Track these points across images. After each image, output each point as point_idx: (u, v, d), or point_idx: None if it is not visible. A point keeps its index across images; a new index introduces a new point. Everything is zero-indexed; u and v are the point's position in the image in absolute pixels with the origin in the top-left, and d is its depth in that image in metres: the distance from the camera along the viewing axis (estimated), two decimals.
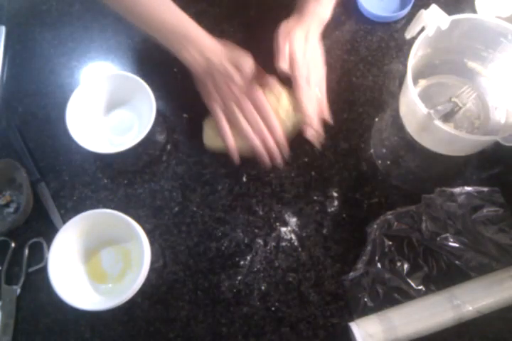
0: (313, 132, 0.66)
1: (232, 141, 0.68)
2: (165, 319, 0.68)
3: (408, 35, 0.76)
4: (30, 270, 0.71)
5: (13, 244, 0.72)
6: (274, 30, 0.69)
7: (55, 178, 0.76)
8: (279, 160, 0.68)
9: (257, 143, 0.67)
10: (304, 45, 0.65)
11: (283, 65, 0.65)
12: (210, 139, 0.73)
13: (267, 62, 0.69)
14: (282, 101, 0.69)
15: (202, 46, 0.67)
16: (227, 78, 0.65)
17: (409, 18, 0.79)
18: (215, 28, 0.83)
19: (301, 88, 0.65)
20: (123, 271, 0.70)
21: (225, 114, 0.68)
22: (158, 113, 0.73)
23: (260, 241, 0.71)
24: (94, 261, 0.71)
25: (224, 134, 0.68)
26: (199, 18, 0.83)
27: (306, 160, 0.74)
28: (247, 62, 0.66)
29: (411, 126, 0.73)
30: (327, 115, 0.69)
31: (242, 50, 0.67)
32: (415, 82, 0.76)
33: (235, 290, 0.69)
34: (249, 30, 0.82)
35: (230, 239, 0.71)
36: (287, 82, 0.69)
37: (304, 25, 0.66)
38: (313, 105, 0.66)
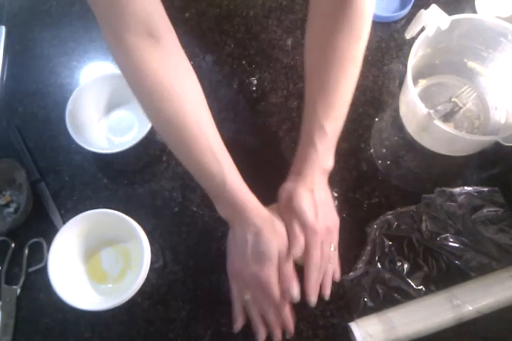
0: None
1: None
2: (165, 319, 0.68)
3: (408, 35, 0.76)
4: (30, 270, 0.71)
5: (13, 244, 0.72)
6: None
7: (55, 178, 0.76)
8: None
9: (261, 331, 0.62)
10: (314, 208, 0.60)
11: (300, 244, 0.60)
12: None
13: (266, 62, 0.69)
14: None
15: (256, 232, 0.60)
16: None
17: (409, 18, 0.79)
18: (215, 28, 0.83)
19: (311, 272, 0.60)
20: (123, 271, 0.70)
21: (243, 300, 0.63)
22: None
23: None
24: (94, 261, 0.71)
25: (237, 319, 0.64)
26: (199, 18, 0.84)
27: None
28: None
29: (411, 126, 0.73)
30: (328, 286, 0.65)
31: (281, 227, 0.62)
32: (415, 82, 0.76)
33: None
34: (249, 31, 0.82)
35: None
36: None
37: (306, 182, 0.61)
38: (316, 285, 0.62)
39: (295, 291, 0.59)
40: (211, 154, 0.58)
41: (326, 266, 0.63)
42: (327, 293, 0.64)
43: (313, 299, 0.60)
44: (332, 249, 0.63)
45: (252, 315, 0.62)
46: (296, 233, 0.60)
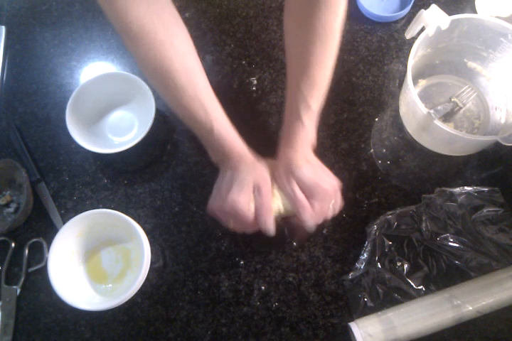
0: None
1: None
2: (165, 319, 0.68)
3: (408, 35, 0.76)
4: (30, 270, 0.71)
5: (13, 244, 0.72)
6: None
7: (55, 178, 0.76)
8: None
9: None
10: (313, 170, 0.62)
11: (310, 221, 0.61)
12: None
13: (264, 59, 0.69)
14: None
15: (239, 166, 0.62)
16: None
17: (409, 18, 0.79)
18: (215, 28, 0.83)
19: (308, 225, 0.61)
20: (123, 271, 0.70)
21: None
22: (158, 113, 0.73)
23: (260, 241, 0.71)
24: (94, 261, 0.71)
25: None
26: (199, 18, 0.84)
27: None
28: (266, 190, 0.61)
29: (411, 126, 0.73)
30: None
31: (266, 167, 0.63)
32: (415, 82, 0.76)
33: (235, 290, 0.69)
34: (249, 31, 0.82)
35: (230, 239, 0.71)
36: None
37: (301, 153, 0.62)
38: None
39: (268, 226, 0.60)
40: (198, 102, 0.60)
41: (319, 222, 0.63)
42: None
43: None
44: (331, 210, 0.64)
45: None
46: (299, 198, 0.60)
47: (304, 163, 0.62)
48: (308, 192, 0.60)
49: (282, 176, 0.62)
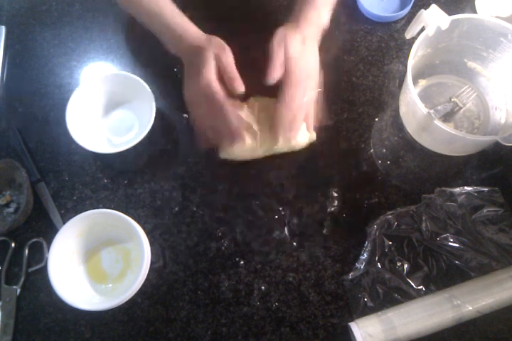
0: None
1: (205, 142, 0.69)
2: (165, 319, 0.68)
3: (408, 35, 0.76)
4: (30, 270, 0.71)
5: (13, 244, 0.72)
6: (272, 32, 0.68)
7: (55, 178, 0.76)
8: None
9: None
10: (300, 48, 0.64)
11: (276, 73, 0.64)
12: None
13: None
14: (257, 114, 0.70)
15: (184, 37, 0.67)
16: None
17: (409, 18, 0.79)
18: (215, 28, 0.83)
19: (290, 97, 0.63)
20: (123, 271, 0.70)
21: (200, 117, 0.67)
22: (158, 113, 0.73)
23: (260, 241, 0.71)
24: (94, 261, 0.71)
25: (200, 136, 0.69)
26: (199, 18, 0.83)
27: (306, 160, 0.74)
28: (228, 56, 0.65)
29: (411, 126, 0.73)
30: (323, 120, 0.68)
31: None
32: (415, 82, 0.76)
33: (235, 290, 0.69)
34: (250, 31, 0.82)
35: (230, 239, 0.71)
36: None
37: (300, 31, 0.65)
38: (293, 116, 0.64)
39: (237, 84, 0.64)
40: None
41: (301, 107, 0.64)
42: (311, 128, 0.68)
43: (287, 135, 0.65)
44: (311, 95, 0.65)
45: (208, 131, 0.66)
46: (276, 64, 0.63)
47: (298, 43, 0.63)
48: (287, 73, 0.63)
49: (274, 44, 0.64)
